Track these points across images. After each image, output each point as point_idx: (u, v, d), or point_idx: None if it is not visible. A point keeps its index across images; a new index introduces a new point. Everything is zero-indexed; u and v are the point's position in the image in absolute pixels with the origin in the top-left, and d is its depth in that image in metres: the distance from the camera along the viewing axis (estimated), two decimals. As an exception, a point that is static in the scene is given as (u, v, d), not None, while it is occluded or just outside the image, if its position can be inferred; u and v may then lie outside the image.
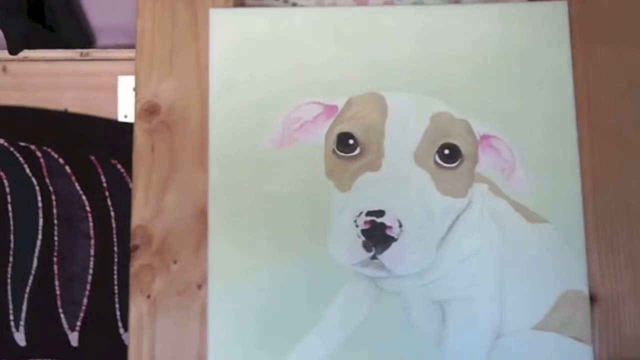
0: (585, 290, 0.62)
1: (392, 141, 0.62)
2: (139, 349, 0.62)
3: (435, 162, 0.62)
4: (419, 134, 0.62)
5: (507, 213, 0.63)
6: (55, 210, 0.72)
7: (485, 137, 0.63)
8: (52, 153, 0.73)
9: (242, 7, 0.69)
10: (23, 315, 0.71)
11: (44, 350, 0.71)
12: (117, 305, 0.71)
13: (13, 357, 0.71)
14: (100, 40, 0.80)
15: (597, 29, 0.66)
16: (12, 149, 0.73)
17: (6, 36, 0.75)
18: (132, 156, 0.65)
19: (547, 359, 0.61)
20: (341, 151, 0.62)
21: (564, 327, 0.61)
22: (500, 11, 0.66)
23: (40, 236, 0.72)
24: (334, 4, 0.70)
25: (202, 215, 0.63)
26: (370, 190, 0.61)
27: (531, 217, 0.63)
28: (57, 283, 0.71)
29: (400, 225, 0.60)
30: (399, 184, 0.61)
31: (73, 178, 0.73)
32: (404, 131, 0.62)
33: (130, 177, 0.64)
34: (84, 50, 0.75)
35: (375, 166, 0.62)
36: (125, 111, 0.74)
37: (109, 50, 0.75)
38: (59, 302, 0.71)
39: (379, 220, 0.59)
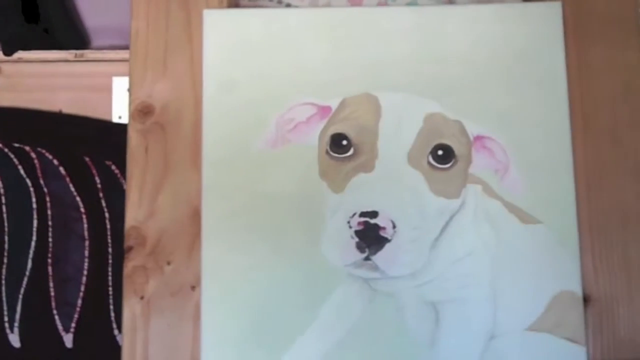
0: (579, 291, 0.62)
1: (385, 142, 0.62)
2: (133, 350, 0.62)
3: (429, 162, 0.62)
4: (413, 135, 0.62)
5: (501, 214, 0.63)
6: (49, 212, 0.72)
7: (478, 137, 0.63)
8: (47, 154, 0.73)
9: (236, 7, 0.69)
10: (17, 316, 0.71)
11: (39, 352, 0.71)
12: (111, 307, 0.71)
13: (7, 359, 0.71)
14: (95, 41, 0.80)
15: (591, 30, 0.66)
16: (6, 150, 0.73)
17: (0, 37, 0.75)
18: (126, 157, 0.65)
19: (540, 360, 0.61)
20: (335, 152, 0.62)
21: (558, 328, 0.61)
22: (494, 12, 0.66)
23: (34, 237, 0.72)
24: (328, 5, 0.70)
25: (195, 216, 0.63)
26: (363, 191, 0.61)
27: (525, 218, 0.63)
28: (51, 284, 0.71)
29: (394, 226, 0.60)
30: (393, 184, 0.61)
31: (67, 179, 0.73)
32: (398, 132, 0.62)
33: (125, 178, 0.64)
34: (79, 52, 0.75)
35: (368, 167, 0.62)
36: (120, 112, 0.74)
37: (104, 51, 0.75)
38: (53, 304, 0.71)
39: (372, 221, 0.59)
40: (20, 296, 0.71)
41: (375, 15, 0.66)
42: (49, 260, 0.72)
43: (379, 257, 0.59)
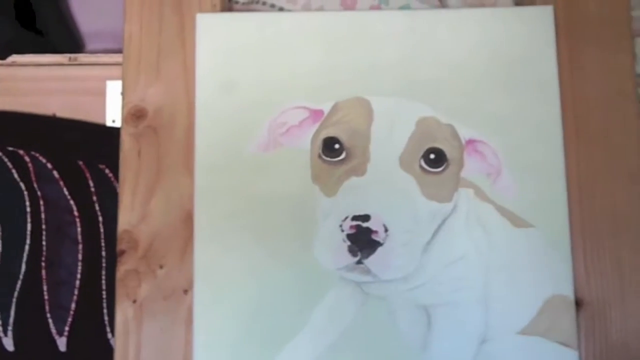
0: (570, 295, 0.62)
1: (377, 146, 0.62)
2: (125, 354, 0.62)
3: (421, 166, 0.62)
4: (405, 139, 0.62)
5: (493, 218, 0.63)
6: (43, 215, 0.72)
7: (470, 141, 0.63)
8: (40, 158, 0.73)
9: (229, 12, 0.69)
10: (11, 320, 0.71)
11: (32, 355, 0.71)
12: (104, 310, 0.71)
13: (2, 362, 0.71)
14: (90, 45, 0.80)
15: (583, 33, 0.66)
16: (0, 153, 0.73)
17: (-6, 41, 0.75)
18: (119, 161, 0.65)
19: (532, 364, 0.61)
20: (327, 156, 0.62)
21: (550, 332, 0.61)
22: (486, 16, 0.66)
23: (28, 241, 0.72)
24: (321, 9, 0.70)
25: (188, 220, 0.64)
26: (355, 195, 0.61)
27: (517, 221, 0.63)
28: (45, 288, 0.71)
29: (386, 230, 0.60)
30: (385, 188, 0.61)
31: (61, 183, 0.73)
32: (390, 136, 0.62)
33: (118, 182, 0.64)
34: (72, 55, 0.75)
35: (360, 171, 0.62)
36: (113, 116, 0.74)
37: (97, 55, 0.75)
38: (47, 307, 0.71)
39: (364, 224, 0.59)
40: (14, 300, 0.71)
41: (368, 19, 0.67)
42: (43, 264, 0.72)
43: (371, 261, 0.60)
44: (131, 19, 0.67)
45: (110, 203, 0.72)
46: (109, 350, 0.67)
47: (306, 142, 0.64)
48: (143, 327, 0.63)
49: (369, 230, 0.59)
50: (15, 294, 0.71)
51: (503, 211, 0.63)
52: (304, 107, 0.64)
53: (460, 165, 0.63)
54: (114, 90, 0.74)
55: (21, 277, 0.71)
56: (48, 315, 0.71)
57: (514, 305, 0.62)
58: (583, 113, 0.65)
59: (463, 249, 0.62)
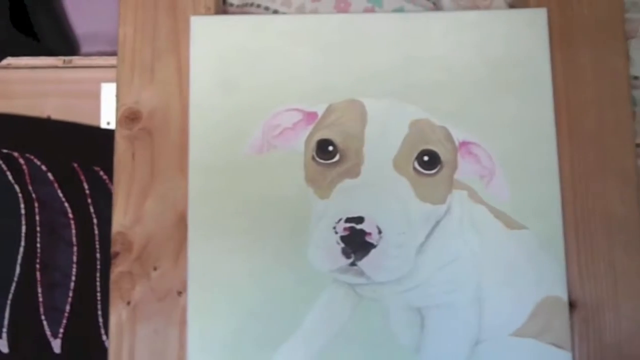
0: (564, 297, 0.62)
1: (371, 148, 0.62)
2: (119, 355, 0.62)
3: (415, 168, 0.62)
4: (398, 141, 0.62)
5: (486, 219, 0.63)
6: (38, 217, 0.72)
7: (464, 143, 0.63)
8: (35, 160, 0.73)
9: (223, 14, 0.69)
10: (6, 322, 0.71)
11: (27, 357, 0.71)
12: (99, 312, 0.71)
13: (-4, 364, 0.71)
14: (84, 47, 0.80)
15: (577, 36, 0.66)
16: (-6, 156, 0.74)
17: (-11, 43, 0.75)
18: (114, 163, 0.65)
19: (526, 366, 0.61)
20: (321, 158, 0.63)
21: (543, 334, 0.61)
22: (480, 18, 0.66)
23: (23, 243, 0.72)
24: (315, 12, 0.70)
25: (182, 222, 0.64)
26: (349, 197, 0.61)
27: (510, 223, 0.63)
28: (39, 290, 0.71)
29: (380, 232, 0.60)
30: (378, 190, 0.62)
31: (56, 185, 0.73)
32: (383, 138, 0.62)
33: (113, 184, 0.64)
34: (67, 58, 0.75)
35: (354, 173, 0.62)
36: (108, 118, 0.74)
37: (92, 57, 0.75)
38: (41, 309, 0.71)
39: (358, 226, 0.60)
40: (9, 302, 0.71)
41: (361, 22, 0.67)
42: (37, 266, 0.72)
43: (365, 263, 0.60)
44: (126, 22, 0.67)
45: (104, 205, 0.72)
46: (103, 352, 0.67)
47: (300, 144, 0.64)
48: (137, 329, 0.63)
49: (362, 232, 0.59)
50: (10, 296, 0.71)
51: (497, 213, 0.63)
52: (298, 110, 0.64)
53: (454, 167, 0.63)
54: (108, 92, 0.74)
55: (15, 279, 0.71)
56: (42, 317, 0.71)
57: (508, 307, 0.62)
58: (577, 115, 0.65)
59: (457, 251, 0.62)
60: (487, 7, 0.69)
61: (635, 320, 0.62)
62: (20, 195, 0.72)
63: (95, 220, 0.73)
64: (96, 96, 0.75)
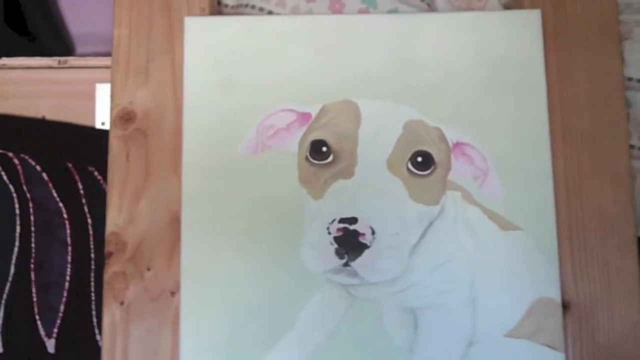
0: (558, 298, 0.62)
1: (365, 149, 0.62)
2: (112, 355, 0.62)
3: (408, 169, 0.62)
4: (392, 142, 0.62)
5: (480, 220, 0.63)
6: (32, 217, 0.72)
7: (458, 144, 0.63)
8: (30, 160, 0.73)
9: (218, 15, 0.69)
10: (0, 322, 0.71)
11: (21, 357, 0.71)
12: (93, 312, 0.71)
13: (-10, 364, 0.71)
14: (79, 48, 0.80)
15: (571, 37, 0.66)
16: (-11, 156, 0.74)
17: (-17, 44, 0.75)
18: (108, 163, 0.65)
19: (519, 367, 0.61)
20: (314, 159, 0.63)
21: (537, 335, 0.61)
22: (474, 19, 0.67)
23: (17, 243, 0.72)
24: (310, 13, 0.70)
25: (175, 222, 0.64)
26: (343, 198, 0.61)
27: (504, 224, 0.63)
28: (34, 290, 0.71)
29: (373, 233, 0.60)
30: (372, 191, 0.62)
31: (50, 185, 0.73)
32: (377, 139, 0.63)
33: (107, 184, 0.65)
34: (62, 58, 0.75)
35: (348, 174, 0.62)
36: (103, 118, 0.74)
37: (87, 58, 0.75)
38: (35, 309, 0.71)
39: (351, 227, 0.60)
40: (3, 302, 0.71)
41: (356, 23, 0.67)
42: (32, 266, 0.72)
43: (358, 264, 0.60)
44: (120, 22, 0.67)
45: (99, 205, 0.72)
46: (97, 352, 0.67)
47: (294, 144, 0.64)
48: (130, 329, 0.63)
49: (356, 233, 0.59)
50: (4, 296, 0.71)
51: (490, 214, 0.63)
52: (292, 110, 0.64)
53: (448, 168, 0.63)
54: (103, 93, 0.74)
55: (10, 279, 0.71)
56: (37, 317, 0.71)
57: (501, 307, 0.62)
58: (570, 116, 0.65)
59: (450, 252, 0.62)
60: (482, 8, 0.69)
61: (629, 321, 0.62)
62: (14, 195, 0.72)
63: (89, 220, 0.73)
64: (91, 97, 0.75)
